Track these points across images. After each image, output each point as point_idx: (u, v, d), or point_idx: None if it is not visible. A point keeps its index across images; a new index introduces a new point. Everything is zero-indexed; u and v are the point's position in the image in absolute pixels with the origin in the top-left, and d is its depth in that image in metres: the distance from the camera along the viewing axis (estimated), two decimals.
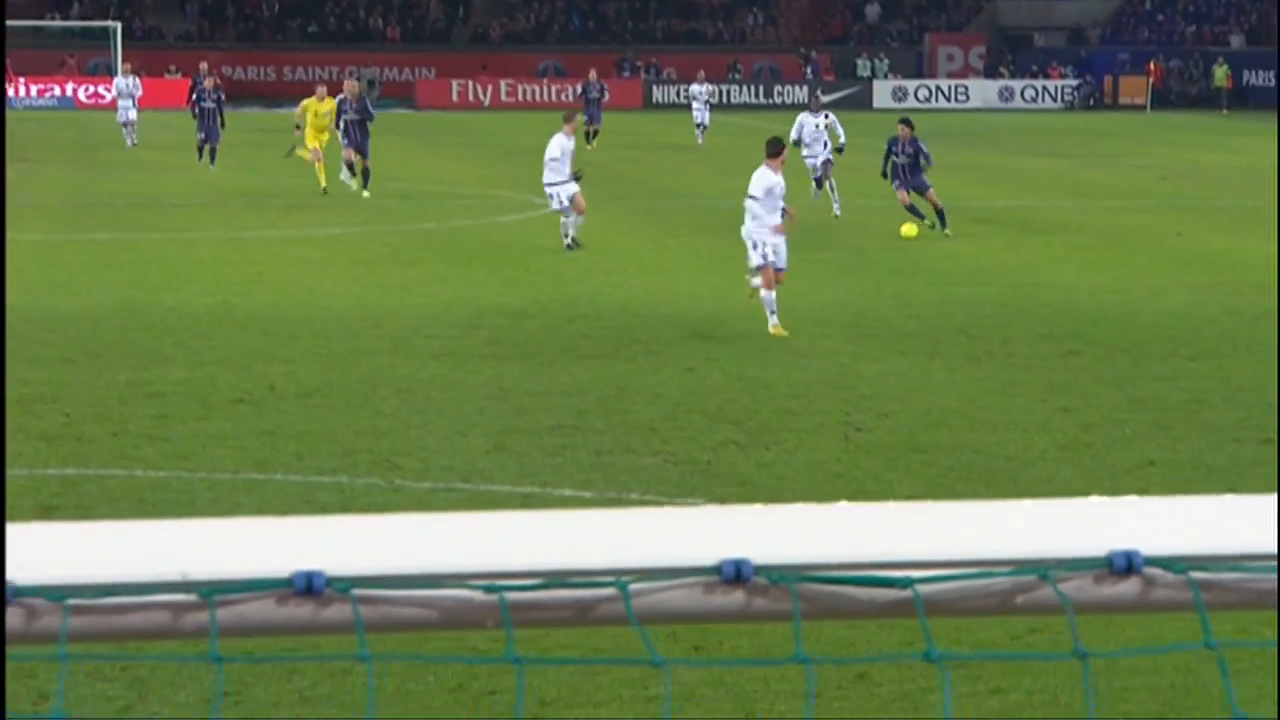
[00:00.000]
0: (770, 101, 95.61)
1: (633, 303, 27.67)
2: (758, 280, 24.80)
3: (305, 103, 48.09)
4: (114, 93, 67.27)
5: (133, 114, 62.47)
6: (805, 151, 43.47)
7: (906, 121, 38.07)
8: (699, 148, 64.24)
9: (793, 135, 42.53)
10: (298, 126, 47.94)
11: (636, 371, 22.35)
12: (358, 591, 2.12)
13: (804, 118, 45.71)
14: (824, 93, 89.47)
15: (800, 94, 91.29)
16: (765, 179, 25.24)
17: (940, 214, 36.20)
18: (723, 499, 16.67)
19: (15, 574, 2.07)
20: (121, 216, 39.93)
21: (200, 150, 53.15)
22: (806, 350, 23.78)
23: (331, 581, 2.10)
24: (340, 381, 21.86)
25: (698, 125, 66.78)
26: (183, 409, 20.62)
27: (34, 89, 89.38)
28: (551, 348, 24.20)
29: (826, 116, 44.93)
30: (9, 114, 74.30)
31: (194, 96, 55.35)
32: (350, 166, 45.47)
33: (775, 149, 25.66)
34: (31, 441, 18.89)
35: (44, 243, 36.79)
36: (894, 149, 37.14)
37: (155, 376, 22.49)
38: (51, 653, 2.10)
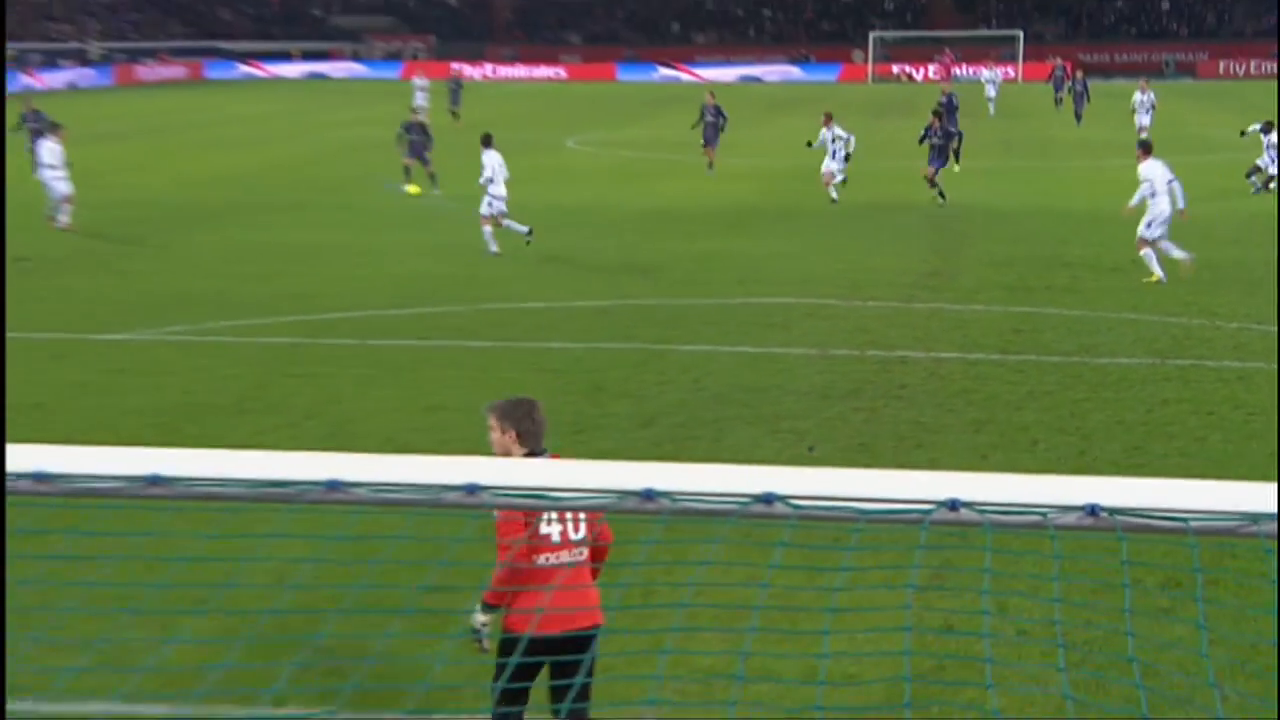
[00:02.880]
0: None
1: None
2: None
3: None
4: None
5: None
6: None
7: (937, 113, 31.92)
8: None
9: None
10: None
11: None
12: None
13: None
14: None
15: None
16: None
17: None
18: None
19: None
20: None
21: None
22: None
23: None
24: None
25: None
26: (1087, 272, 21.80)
27: None
28: None
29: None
30: None
31: None
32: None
33: None
34: (995, 290, 20.55)
35: (990, 169, 38.36)
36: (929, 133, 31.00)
37: (1058, 251, 23.80)
38: None
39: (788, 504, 3.15)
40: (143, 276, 22.24)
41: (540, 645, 6.52)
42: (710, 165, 36.73)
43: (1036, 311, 19.30)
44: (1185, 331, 18.00)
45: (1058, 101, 57.61)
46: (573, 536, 6.64)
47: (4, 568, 2.68)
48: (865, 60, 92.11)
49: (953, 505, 3.15)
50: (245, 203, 30.91)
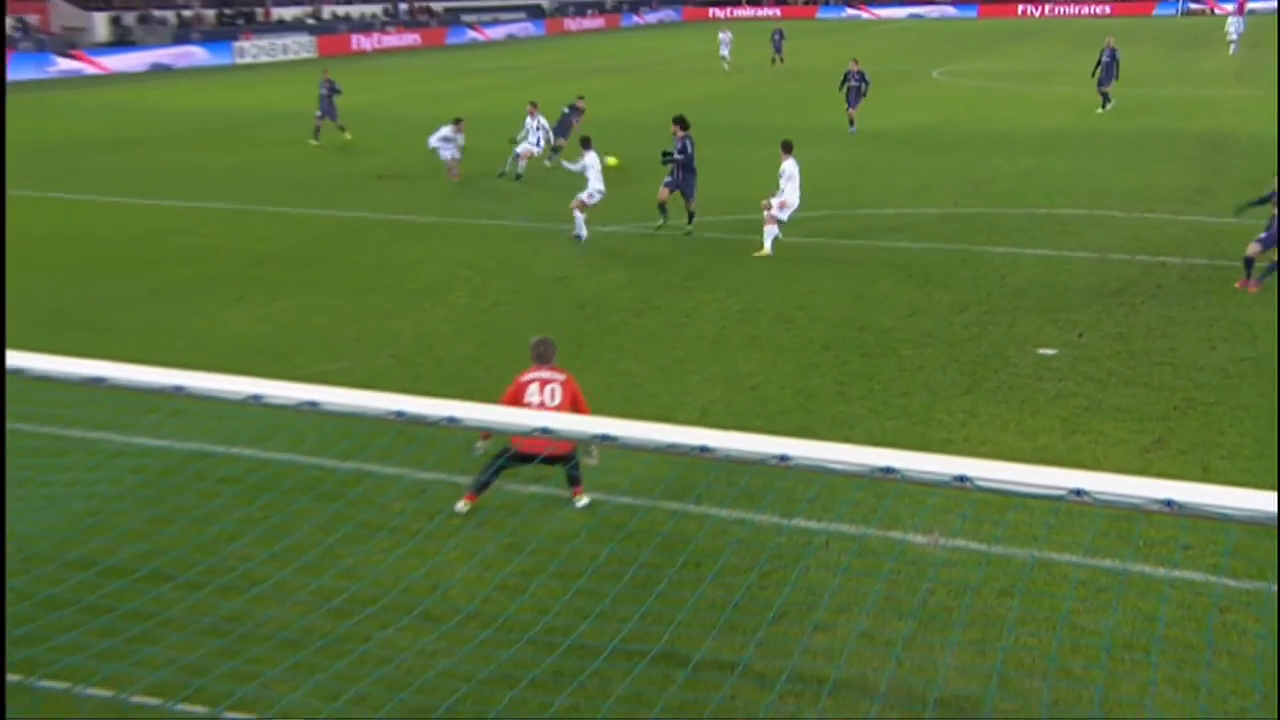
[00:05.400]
0: None
1: None
2: None
3: None
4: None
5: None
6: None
7: (678, 121, 18.24)
8: None
9: None
10: None
11: None
12: None
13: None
14: None
15: None
16: None
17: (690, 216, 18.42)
18: None
19: None
20: None
21: None
22: None
23: None
24: None
25: None
26: None
27: None
28: None
29: None
30: None
31: None
32: None
33: None
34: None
35: (1267, 97, 34.57)
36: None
37: None
38: None
39: (975, 484, 3.64)
40: (636, 182, 22.88)
41: (520, 458, 7.63)
42: (852, 124, 28.68)
43: None
44: None
45: None
46: (549, 403, 7.57)
47: (4, 567, 1.97)
48: None
49: (1078, 492, 3.60)
50: (701, 123, 31.45)
